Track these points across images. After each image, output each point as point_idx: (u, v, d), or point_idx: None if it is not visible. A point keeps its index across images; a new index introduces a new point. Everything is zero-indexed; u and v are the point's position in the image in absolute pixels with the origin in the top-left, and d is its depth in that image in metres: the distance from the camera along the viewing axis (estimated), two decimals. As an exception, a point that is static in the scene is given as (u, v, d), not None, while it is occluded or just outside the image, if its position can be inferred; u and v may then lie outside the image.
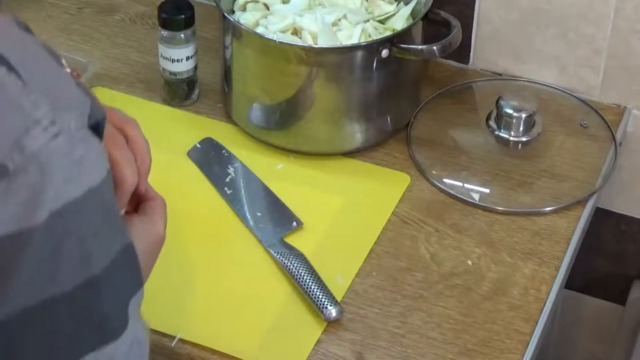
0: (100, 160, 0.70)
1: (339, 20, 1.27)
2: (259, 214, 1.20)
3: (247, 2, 1.31)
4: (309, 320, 1.09)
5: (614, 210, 1.44)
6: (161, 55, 1.31)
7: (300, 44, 1.23)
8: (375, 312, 1.10)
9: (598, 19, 1.32)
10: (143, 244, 0.86)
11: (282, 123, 1.28)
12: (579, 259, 1.24)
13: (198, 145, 1.28)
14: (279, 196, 1.22)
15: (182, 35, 1.29)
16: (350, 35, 1.24)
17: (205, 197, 1.23)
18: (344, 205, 1.22)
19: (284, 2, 1.31)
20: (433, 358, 1.06)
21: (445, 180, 1.25)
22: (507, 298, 1.12)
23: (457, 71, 1.42)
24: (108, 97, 1.36)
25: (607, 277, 1.52)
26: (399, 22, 1.28)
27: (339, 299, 1.10)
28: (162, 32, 1.30)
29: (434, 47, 1.21)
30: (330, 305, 1.08)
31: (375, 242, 1.18)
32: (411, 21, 1.28)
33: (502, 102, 1.29)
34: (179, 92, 1.34)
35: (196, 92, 1.35)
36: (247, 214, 1.20)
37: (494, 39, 1.39)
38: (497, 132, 1.31)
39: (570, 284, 1.37)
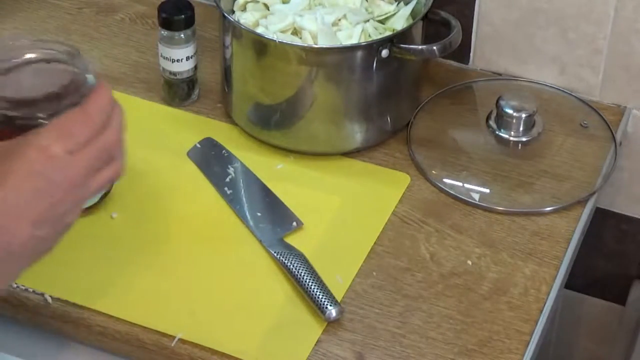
0: None
1: (339, 20, 1.27)
2: (259, 214, 1.20)
3: (247, 2, 1.31)
4: (309, 320, 1.09)
5: (614, 210, 1.44)
6: (161, 55, 1.32)
7: (300, 44, 1.23)
8: (375, 312, 1.10)
9: (598, 19, 1.32)
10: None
11: (282, 123, 1.28)
12: (579, 259, 1.24)
13: (198, 145, 1.28)
14: (279, 196, 1.22)
15: (182, 35, 1.29)
16: (350, 35, 1.24)
17: (205, 197, 1.23)
18: (344, 206, 1.22)
19: (284, 2, 1.31)
20: (433, 358, 1.06)
21: (445, 180, 1.25)
22: (507, 298, 1.12)
23: (457, 71, 1.42)
24: (108, 97, 1.36)
25: (607, 277, 1.52)
26: (399, 22, 1.28)
27: (339, 299, 1.10)
28: (162, 32, 1.30)
29: (434, 47, 1.21)
30: (330, 305, 1.08)
31: (375, 242, 1.18)
32: (411, 21, 1.28)
33: (502, 102, 1.29)
34: (179, 92, 1.34)
35: (196, 92, 1.35)
36: (247, 214, 1.20)
37: (494, 39, 1.39)
38: (497, 132, 1.31)
39: (570, 284, 1.38)
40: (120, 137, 0.81)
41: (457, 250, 1.17)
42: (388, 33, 1.25)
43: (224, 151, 1.28)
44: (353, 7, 1.29)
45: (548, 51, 1.37)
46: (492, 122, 1.31)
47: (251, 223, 1.19)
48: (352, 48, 1.22)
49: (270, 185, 1.23)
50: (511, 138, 1.30)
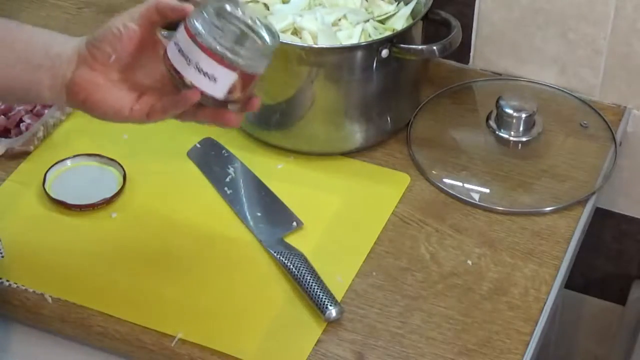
0: None
1: (339, 20, 1.27)
2: (259, 214, 1.20)
3: (247, 2, 1.31)
4: (309, 320, 1.09)
5: (614, 210, 1.45)
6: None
7: (300, 44, 1.23)
8: (375, 312, 1.10)
9: (598, 19, 1.32)
10: None
11: (282, 123, 1.28)
12: (579, 259, 1.24)
13: (198, 145, 1.28)
14: (279, 196, 1.22)
15: (182, 35, 1.29)
16: (350, 35, 1.24)
17: (205, 197, 1.23)
18: (344, 205, 1.22)
19: (284, 2, 1.31)
20: (433, 358, 1.06)
21: (445, 180, 1.25)
22: (507, 298, 1.12)
23: (457, 71, 1.42)
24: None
25: (607, 277, 1.52)
26: (399, 22, 1.28)
27: (339, 299, 1.10)
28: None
29: (434, 47, 1.21)
30: (331, 305, 1.08)
31: (375, 242, 1.18)
32: (411, 21, 1.28)
33: (502, 102, 1.29)
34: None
35: (196, 92, 1.35)
36: (247, 214, 1.20)
37: (494, 39, 1.39)
38: (497, 132, 1.31)
39: (570, 284, 1.37)
40: None
41: (457, 250, 1.17)
42: (388, 33, 1.25)
43: (224, 151, 1.28)
44: (353, 7, 1.29)
45: (548, 51, 1.37)
46: (492, 122, 1.31)
47: (251, 223, 1.19)
48: (352, 48, 1.22)
49: (270, 185, 1.23)
50: (511, 138, 1.30)
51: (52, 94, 0.97)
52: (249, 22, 0.93)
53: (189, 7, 0.95)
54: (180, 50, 0.93)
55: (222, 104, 0.95)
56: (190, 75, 0.93)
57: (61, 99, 0.98)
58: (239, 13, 0.93)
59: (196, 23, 0.92)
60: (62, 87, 0.97)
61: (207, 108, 0.96)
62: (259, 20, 0.94)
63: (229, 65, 0.92)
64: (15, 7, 1.52)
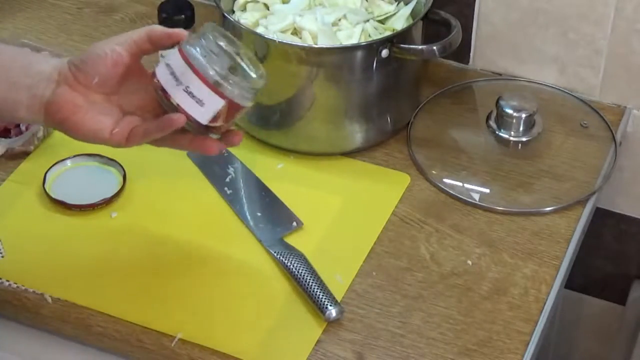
0: None
1: (339, 20, 1.27)
2: (259, 214, 1.20)
3: (247, 2, 1.31)
4: (309, 320, 1.09)
5: (614, 210, 1.44)
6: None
7: (300, 44, 1.23)
8: (375, 312, 1.10)
9: (598, 19, 1.32)
10: None
11: (282, 123, 1.28)
12: (579, 259, 1.24)
13: (198, 145, 1.28)
14: (279, 196, 1.22)
15: (182, 35, 1.29)
16: (350, 35, 1.24)
17: (205, 197, 1.23)
18: (344, 205, 1.22)
19: (284, 2, 1.31)
20: (433, 358, 1.06)
21: (445, 180, 1.25)
22: (507, 298, 1.12)
23: (457, 71, 1.42)
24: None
25: (607, 277, 1.52)
26: (399, 22, 1.28)
27: (339, 299, 1.10)
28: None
29: (434, 47, 1.21)
30: (331, 305, 1.08)
31: (375, 242, 1.18)
32: (411, 21, 1.28)
33: (502, 102, 1.29)
34: (179, 92, 1.34)
35: (196, 92, 1.35)
36: (247, 214, 1.20)
37: (494, 39, 1.39)
38: (497, 132, 1.31)
39: (570, 284, 1.37)
40: None
41: (457, 250, 1.17)
42: (388, 33, 1.25)
43: (223, 151, 1.27)
44: (353, 7, 1.29)
45: (548, 51, 1.37)
46: (492, 122, 1.31)
47: (251, 223, 1.19)
48: (352, 48, 1.22)
49: (270, 185, 1.23)
50: (511, 138, 1.30)
51: (29, 113, 0.96)
52: (239, 59, 0.96)
53: (183, 32, 0.96)
54: (172, 73, 0.94)
55: (203, 131, 0.96)
56: (178, 97, 0.94)
57: (39, 118, 0.97)
58: (233, 49, 0.95)
59: (192, 48, 0.94)
60: (41, 106, 0.95)
61: (186, 134, 0.96)
62: (251, 60, 0.97)
63: (219, 92, 0.94)
64: (15, 7, 1.51)
